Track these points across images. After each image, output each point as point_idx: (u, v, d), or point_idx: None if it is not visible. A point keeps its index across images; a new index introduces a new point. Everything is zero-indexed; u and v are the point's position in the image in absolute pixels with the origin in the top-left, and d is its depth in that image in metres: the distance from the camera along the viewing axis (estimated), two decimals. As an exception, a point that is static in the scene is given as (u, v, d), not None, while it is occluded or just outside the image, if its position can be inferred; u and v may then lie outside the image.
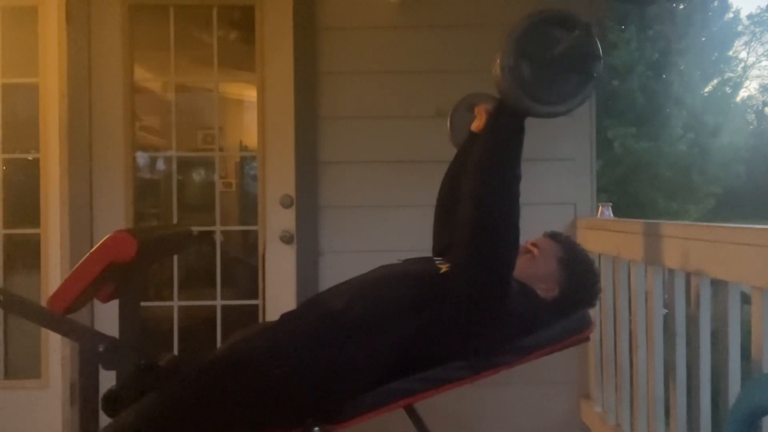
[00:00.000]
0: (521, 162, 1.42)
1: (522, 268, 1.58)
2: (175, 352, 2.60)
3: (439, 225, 1.88)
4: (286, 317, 1.57)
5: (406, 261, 1.69)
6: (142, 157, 2.69)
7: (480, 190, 1.43)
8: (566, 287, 1.59)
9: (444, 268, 1.55)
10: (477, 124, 1.79)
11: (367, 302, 1.48)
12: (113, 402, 1.43)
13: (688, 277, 1.57)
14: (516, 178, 1.42)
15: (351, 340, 1.43)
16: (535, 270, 1.59)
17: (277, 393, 1.39)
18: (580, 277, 1.62)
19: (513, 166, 1.42)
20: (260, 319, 2.57)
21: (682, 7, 12.12)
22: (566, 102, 1.39)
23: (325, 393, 1.41)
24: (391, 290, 1.51)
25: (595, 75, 1.38)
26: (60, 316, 1.46)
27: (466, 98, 2.01)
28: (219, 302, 2.61)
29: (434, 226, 1.89)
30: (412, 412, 1.72)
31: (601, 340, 2.21)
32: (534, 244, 1.64)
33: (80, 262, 1.44)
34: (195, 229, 2.29)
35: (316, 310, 1.53)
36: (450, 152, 2.47)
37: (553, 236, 1.69)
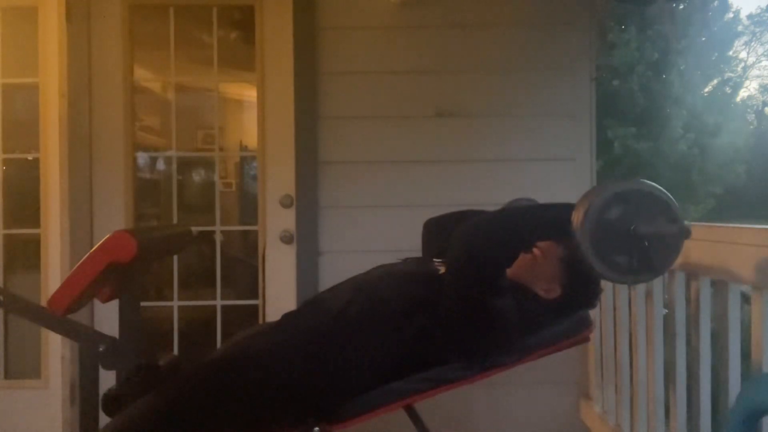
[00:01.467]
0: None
1: (523, 269, 1.57)
2: (175, 352, 2.60)
3: (435, 230, 1.87)
4: (287, 317, 1.57)
5: (406, 261, 1.69)
6: (142, 157, 2.69)
7: (480, 242, 1.45)
8: (568, 287, 1.58)
9: (443, 269, 1.55)
10: None
11: (367, 303, 1.48)
12: (113, 402, 1.43)
13: (688, 277, 1.57)
14: (514, 252, 1.47)
15: (351, 340, 1.43)
16: (536, 270, 1.58)
17: (277, 392, 1.39)
18: (582, 278, 1.61)
19: (524, 244, 1.49)
20: (260, 319, 2.57)
21: (682, 7, 12.10)
22: (604, 268, 1.35)
23: (325, 393, 1.41)
24: (391, 291, 1.51)
25: (633, 279, 1.43)
26: (60, 316, 1.46)
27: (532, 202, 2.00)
28: (219, 302, 2.61)
29: (430, 229, 1.88)
30: (412, 412, 1.72)
31: (601, 340, 2.20)
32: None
33: (80, 262, 1.44)
34: (195, 229, 2.29)
35: (317, 311, 1.53)
36: (449, 152, 2.48)
37: None
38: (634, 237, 1.32)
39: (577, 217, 1.33)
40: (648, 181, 1.35)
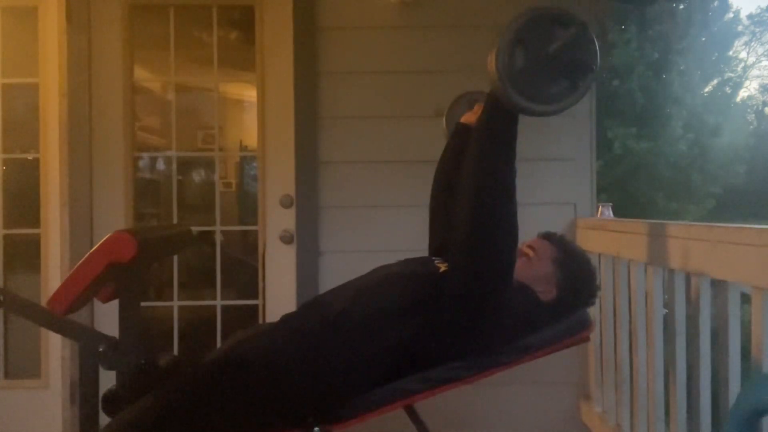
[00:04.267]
0: (516, 159, 1.40)
1: (519, 271, 1.57)
2: (175, 352, 2.60)
3: (434, 223, 1.87)
4: (287, 318, 1.57)
5: (405, 261, 1.68)
6: (142, 157, 2.69)
7: (475, 184, 1.40)
8: (563, 288, 1.58)
9: (443, 267, 1.55)
10: (468, 117, 1.79)
11: (367, 304, 1.48)
12: (113, 402, 1.43)
13: (688, 277, 1.57)
14: (511, 171, 1.39)
15: (352, 341, 1.43)
16: (532, 272, 1.58)
17: (277, 393, 1.39)
18: (576, 276, 1.61)
19: (507, 159, 1.39)
20: (260, 320, 2.57)
21: (682, 7, 12.10)
22: (552, 103, 1.35)
23: (325, 393, 1.41)
24: (391, 292, 1.51)
25: (581, 86, 1.34)
26: (60, 316, 1.46)
27: (465, 95, 1.98)
28: (219, 302, 2.61)
29: (430, 224, 1.89)
30: (412, 412, 1.72)
31: (601, 340, 2.20)
32: (530, 246, 1.63)
33: (80, 262, 1.44)
34: (195, 229, 2.28)
35: (317, 312, 1.53)
36: (450, 152, 2.45)
37: (547, 237, 1.68)
38: (550, 61, 1.31)
39: (496, 86, 1.32)
40: (532, 7, 1.33)
